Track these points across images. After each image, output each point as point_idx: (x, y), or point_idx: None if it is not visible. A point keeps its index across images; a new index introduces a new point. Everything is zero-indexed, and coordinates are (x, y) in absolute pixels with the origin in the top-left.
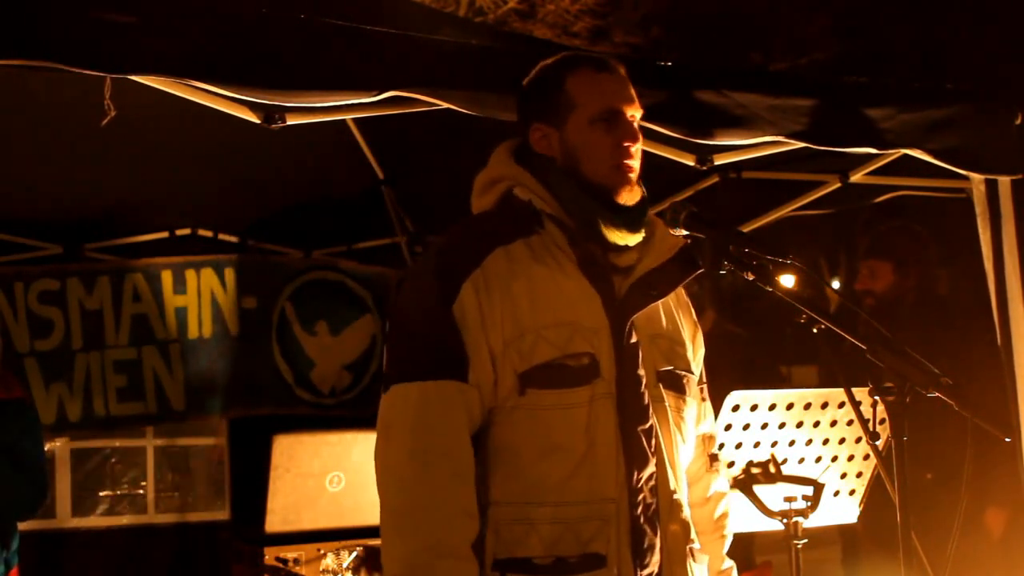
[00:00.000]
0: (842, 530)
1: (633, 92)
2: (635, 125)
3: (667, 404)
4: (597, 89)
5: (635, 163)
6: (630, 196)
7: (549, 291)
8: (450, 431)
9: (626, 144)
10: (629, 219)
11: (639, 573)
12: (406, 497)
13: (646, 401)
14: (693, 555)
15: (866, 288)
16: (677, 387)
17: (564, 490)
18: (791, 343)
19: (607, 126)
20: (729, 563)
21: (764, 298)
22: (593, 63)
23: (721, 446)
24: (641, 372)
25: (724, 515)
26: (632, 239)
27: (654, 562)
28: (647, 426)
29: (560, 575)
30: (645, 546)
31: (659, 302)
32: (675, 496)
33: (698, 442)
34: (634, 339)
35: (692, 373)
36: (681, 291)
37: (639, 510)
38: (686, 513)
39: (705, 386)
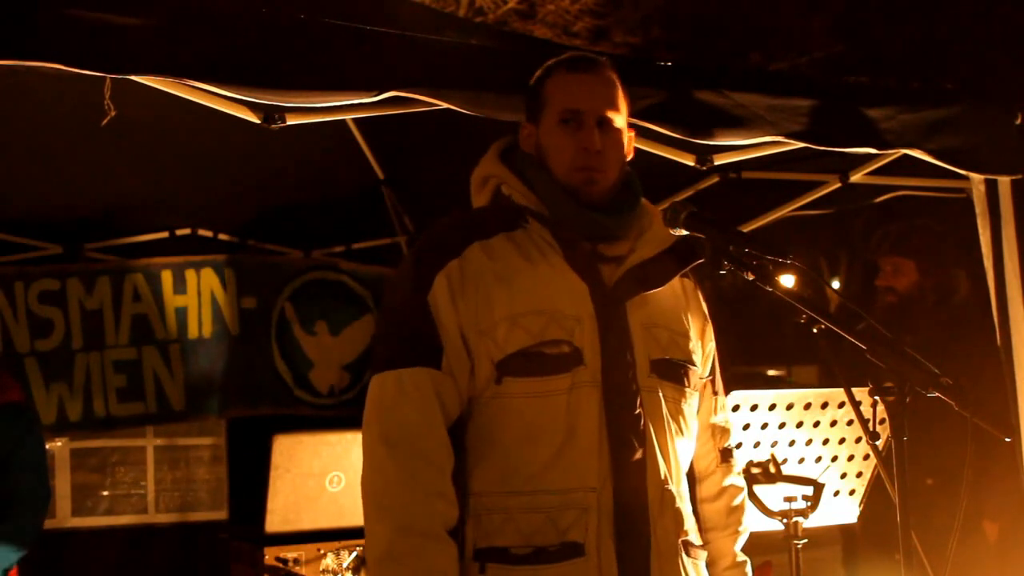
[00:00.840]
0: (843, 530)
1: (612, 93)
2: (600, 128)
3: (661, 394)
4: (565, 89)
5: (599, 164)
6: (595, 196)
7: (528, 282)
8: (420, 417)
9: (585, 147)
10: (606, 213)
11: (623, 563)
12: (379, 481)
13: (634, 389)
14: (687, 549)
15: (888, 285)
16: (674, 377)
17: (542, 479)
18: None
19: (571, 128)
20: (742, 558)
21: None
22: (569, 64)
23: None
24: (630, 360)
25: (738, 509)
26: (614, 228)
27: (640, 553)
28: (634, 414)
29: (539, 565)
30: (630, 536)
31: (660, 293)
32: (667, 487)
33: (707, 436)
34: (623, 328)
35: (694, 364)
36: (689, 284)
37: (624, 499)
38: (679, 505)
39: (716, 379)
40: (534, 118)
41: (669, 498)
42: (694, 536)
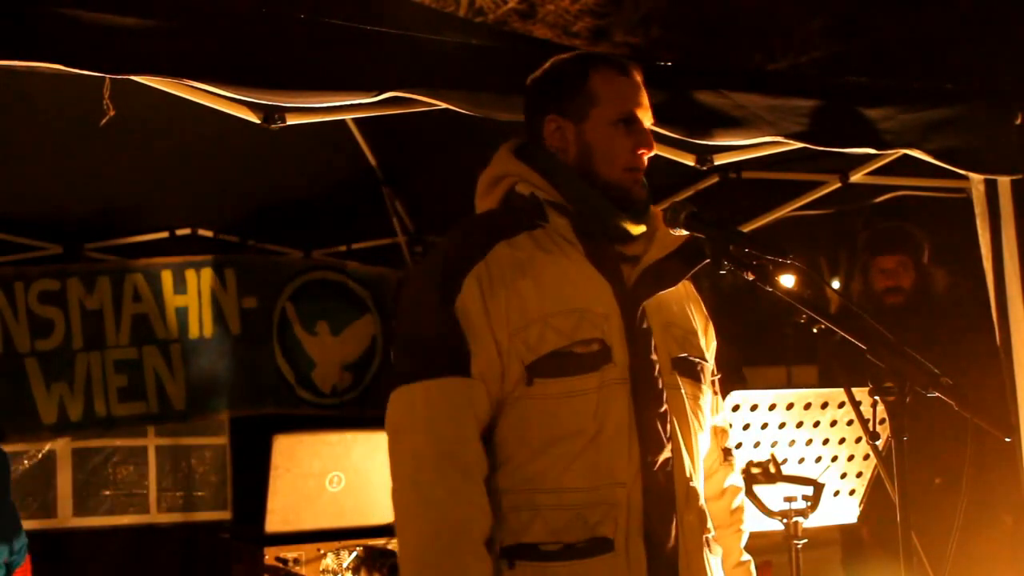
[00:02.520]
0: (843, 530)
1: (648, 101)
2: (650, 133)
3: (683, 391)
4: (620, 91)
5: (645, 165)
6: (639, 195)
7: (556, 280)
8: (457, 430)
9: (641, 151)
10: (634, 213)
11: (651, 559)
12: (419, 499)
13: (660, 387)
14: (709, 545)
15: (896, 284)
16: (692, 374)
17: (570, 476)
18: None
19: (627, 129)
20: (747, 556)
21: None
22: (616, 64)
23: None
24: (655, 358)
25: (740, 509)
26: (636, 230)
27: (668, 549)
28: (662, 411)
29: (568, 561)
30: (658, 532)
31: (669, 293)
32: (691, 483)
33: (712, 435)
34: (646, 325)
35: (707, 361)
36: (690, 285)
37: (652, 495)
38: (702, 502)
39: (717, 379)
40: (575, 114)
41: (694, 495)
42: (713, 532)
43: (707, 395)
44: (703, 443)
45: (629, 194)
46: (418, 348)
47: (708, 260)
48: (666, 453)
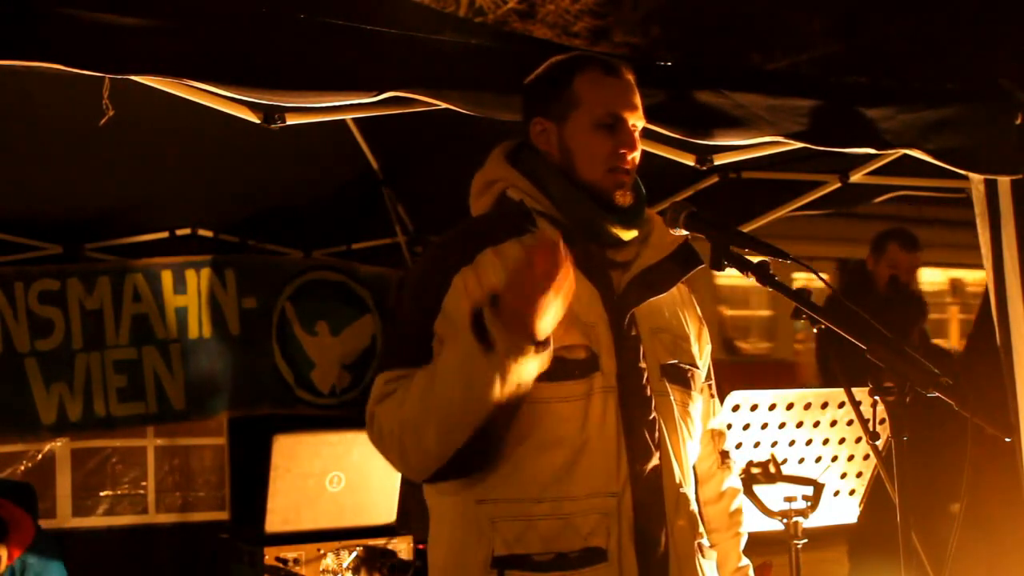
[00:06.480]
0: (846, 530)
1: (638, 100)
2: (635, 134)
3: (672, 398)
4: (602, 92)
5: (630, 170)
6: (622, 200)
7: None
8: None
9: (623, 151)
10: (622, 217)
11: (643, 568)
12: (413, 411)
13: (648, 394)
14: (702, 550)
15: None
16: (682, 381)
17: (561, 485)
18: None
19: (608, 130)
20: (745, 561)
21: None
22: (602, 65)
23: None
24: (643, 365)
25: (738, 512)
26: (626, 235)
27: (660, 556)
28: (650, 419)
29: (560, 571)
30: (650, 540)
31: (661, 298)
32: (681, 490)
33: (708, 439)
34: (634, 333)
35: (697, 368)
36: (685, 288)
37: (642, 504)
38: (694, 508)
39: (713, 383)
40: (558, 116)
41: (684, 501)
42: (706, 538)
43: (697, 402)
44: (692, 450)
45: (611, 197)
46: (401, 340)
47: (701, 264)
48: (654, 461)
